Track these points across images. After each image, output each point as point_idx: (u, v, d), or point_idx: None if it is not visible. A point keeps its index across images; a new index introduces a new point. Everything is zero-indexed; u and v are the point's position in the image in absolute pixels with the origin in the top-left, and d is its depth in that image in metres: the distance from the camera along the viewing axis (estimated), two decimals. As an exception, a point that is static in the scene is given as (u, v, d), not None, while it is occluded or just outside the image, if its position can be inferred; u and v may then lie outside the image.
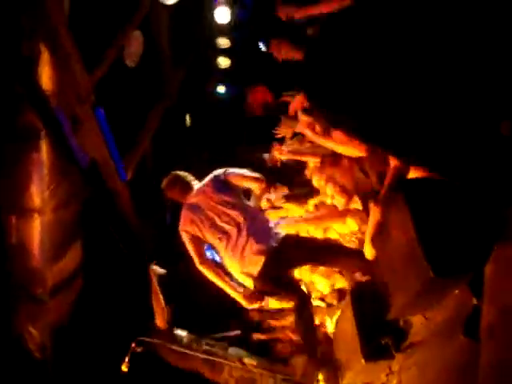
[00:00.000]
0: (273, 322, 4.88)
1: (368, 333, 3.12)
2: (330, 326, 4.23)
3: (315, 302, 4.43)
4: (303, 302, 3.85)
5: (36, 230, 3.92)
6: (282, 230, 4.07)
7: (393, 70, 1.13)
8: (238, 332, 4.75)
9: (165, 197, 4.49)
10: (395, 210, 2.55)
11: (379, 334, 3.05)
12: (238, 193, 4.13)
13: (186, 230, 4.11)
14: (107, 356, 4.13)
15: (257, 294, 4.00)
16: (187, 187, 4.29)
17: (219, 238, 3.96)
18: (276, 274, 3.81)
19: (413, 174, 2.69)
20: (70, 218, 4.21)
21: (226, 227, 3.94)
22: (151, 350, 4.30)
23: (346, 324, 3.39)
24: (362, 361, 3.12)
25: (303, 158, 5.04)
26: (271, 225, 4.06)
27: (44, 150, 3.83)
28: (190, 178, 4.37)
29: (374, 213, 2.85)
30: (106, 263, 4.49)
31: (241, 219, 3.92)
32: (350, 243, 4.38)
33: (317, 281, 4.55)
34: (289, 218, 4.94)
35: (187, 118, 7.28)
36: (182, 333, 4.61)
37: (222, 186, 4.12)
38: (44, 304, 4.04)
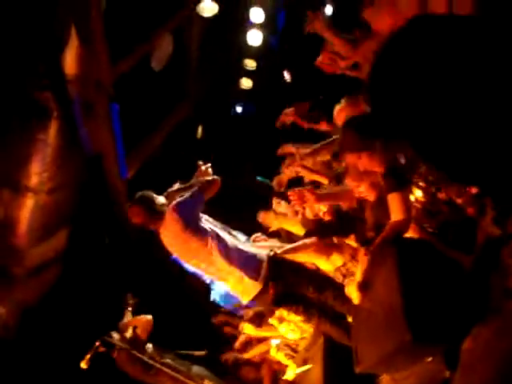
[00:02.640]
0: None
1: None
2: (290, 373, 4.12)
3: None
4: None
5: (27, 210, 3.87)
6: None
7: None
8: (202, 352, 4.67)
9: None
10: (384, 264, 2.51)
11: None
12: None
13: None
14: (70, 348, 4.05)
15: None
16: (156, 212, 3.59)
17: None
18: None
19: (410, 233, 2.66)
20: (63, 203, 4.17)
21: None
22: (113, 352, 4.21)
23: (314, 370, 3.32)
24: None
25: (312, 176, 4.66)
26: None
27: (52, 131, 3.81)
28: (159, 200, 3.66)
29: (363, 261, 2.81)
30: (89, 254, 4.44)
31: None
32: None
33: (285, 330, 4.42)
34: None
35: (199, 129, 7.31)
36: (147, 344, 4.53)
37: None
38: (16, 284, 3.99)
